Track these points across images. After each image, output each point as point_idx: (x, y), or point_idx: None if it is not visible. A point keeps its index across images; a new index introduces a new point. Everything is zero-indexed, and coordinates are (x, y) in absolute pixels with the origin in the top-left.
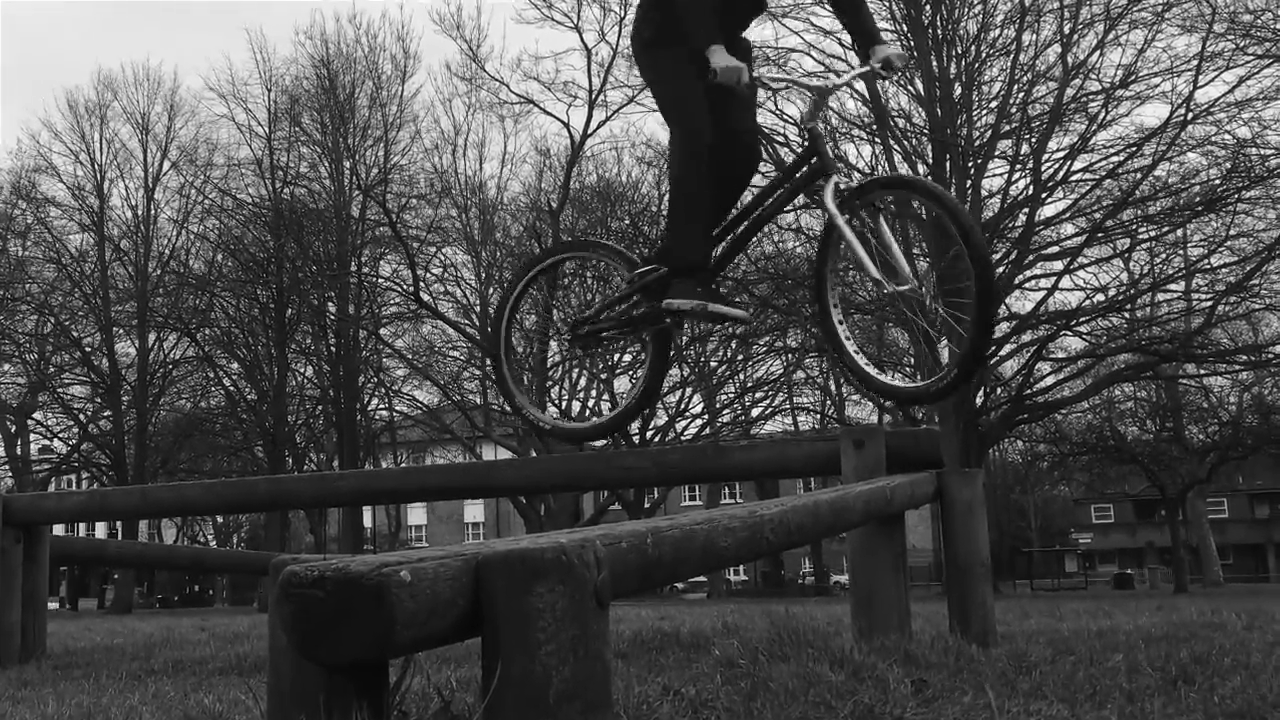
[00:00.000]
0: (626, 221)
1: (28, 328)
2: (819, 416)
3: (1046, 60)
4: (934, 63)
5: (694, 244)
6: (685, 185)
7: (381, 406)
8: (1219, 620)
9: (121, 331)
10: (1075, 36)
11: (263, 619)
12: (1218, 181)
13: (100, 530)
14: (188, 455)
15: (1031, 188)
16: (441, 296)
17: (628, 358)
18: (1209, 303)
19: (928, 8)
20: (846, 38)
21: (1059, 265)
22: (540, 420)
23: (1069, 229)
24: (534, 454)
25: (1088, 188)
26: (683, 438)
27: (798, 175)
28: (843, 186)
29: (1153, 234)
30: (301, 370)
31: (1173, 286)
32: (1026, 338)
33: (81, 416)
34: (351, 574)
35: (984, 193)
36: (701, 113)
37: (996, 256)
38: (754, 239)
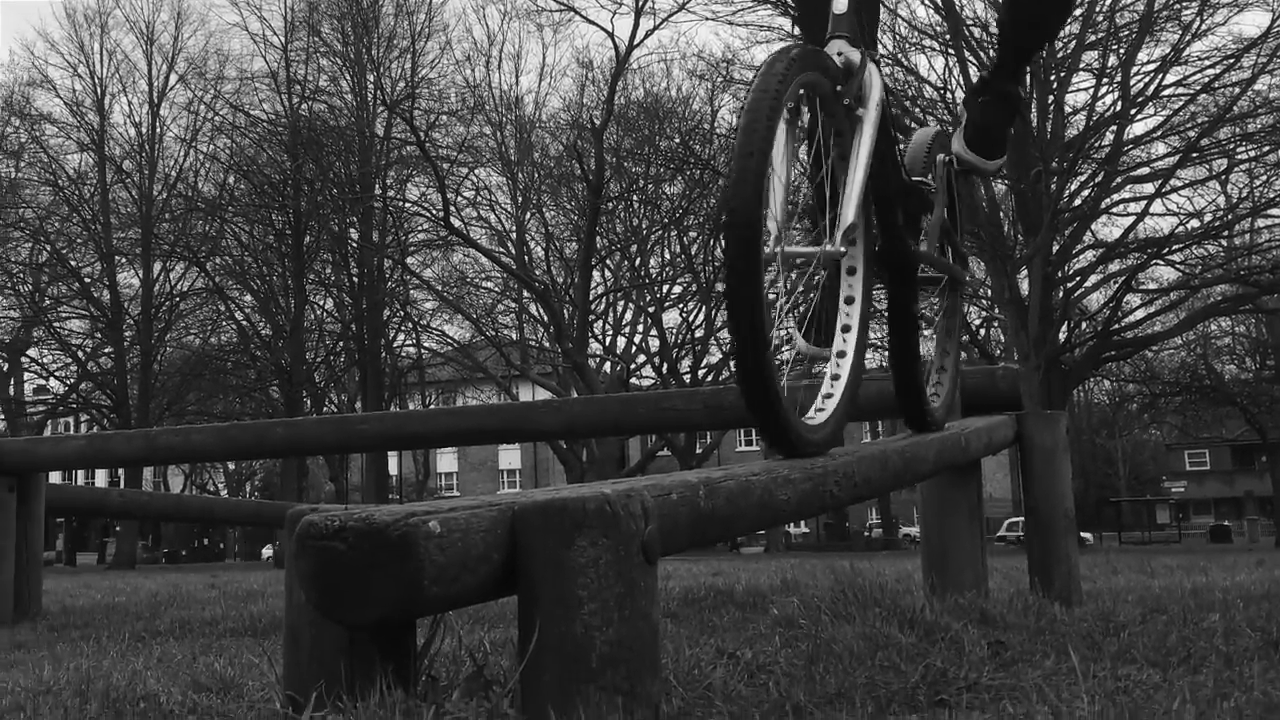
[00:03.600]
0: (676, 140)
1: (21, 256)
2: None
3: None
4: None
5: None
6: None
7: (408, 343)
8: None
9: (124, 260)
10: None
11: (278, 575)
12: None
13: (101, 478)
14: (196, 396)
15: (1119, 103)
16: (474, 222)
17: (677, 289)
18: None
19: None
20: None
21: (1149, 188)
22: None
23: (1160, 149)
24: (574, 394)
25: (1181, 104)
26: None
27: None
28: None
29: (1252, 154)
30: (321, 303)
31: (1274, 211)
32: (1114, 267)
33: (80, 353)
34: (376, 525)
35: (1067, 109)
36: None
37: (1081, 178)
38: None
